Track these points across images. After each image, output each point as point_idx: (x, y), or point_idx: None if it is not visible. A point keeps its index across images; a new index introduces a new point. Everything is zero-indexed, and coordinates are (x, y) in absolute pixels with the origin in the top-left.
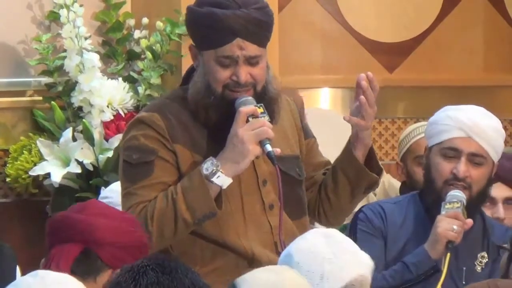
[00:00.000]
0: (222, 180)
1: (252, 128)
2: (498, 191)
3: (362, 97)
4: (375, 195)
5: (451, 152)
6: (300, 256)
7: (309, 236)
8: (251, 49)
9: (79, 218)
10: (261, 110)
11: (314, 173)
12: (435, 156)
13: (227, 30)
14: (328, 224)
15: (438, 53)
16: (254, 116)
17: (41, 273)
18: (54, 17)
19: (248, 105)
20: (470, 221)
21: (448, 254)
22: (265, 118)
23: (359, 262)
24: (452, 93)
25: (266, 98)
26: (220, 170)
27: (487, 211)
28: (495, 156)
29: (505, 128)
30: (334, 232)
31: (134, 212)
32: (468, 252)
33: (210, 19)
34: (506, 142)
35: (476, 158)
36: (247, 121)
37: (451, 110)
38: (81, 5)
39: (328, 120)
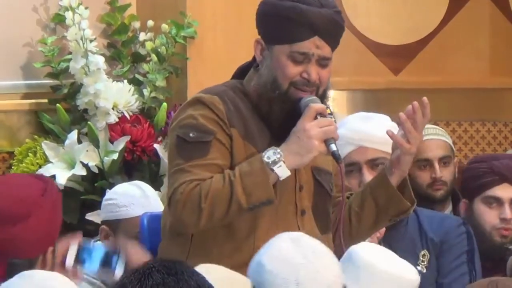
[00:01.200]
0: (282, 170)
1: (320, 125)
2: (504, 192)
3: (401, 113)
4: None
5: (351, 167)
6: (272, 264)
7: (277, 242)
8: (326, 50)
9: None
10: (329, 111)
11: (338, 194)
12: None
13: (309, 26)
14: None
15: (444, 55)
16: (323, 115)
17: (27, 273)
18: (59, 19)
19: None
20: (381, 230)
21: None
22: (332, 119)
23: (332, 263)
24: (458, 96)
25: (324, 103)
26: (283, 160)
27: (493, 212)
28: None
29: (510, 130)
30: (301, 236)
31: (187, 188)
32: (409, 254)
33: (294, 12)
34: None
35: (377, 162)
36: (315, 118)
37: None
38: (86, 8)
39: None
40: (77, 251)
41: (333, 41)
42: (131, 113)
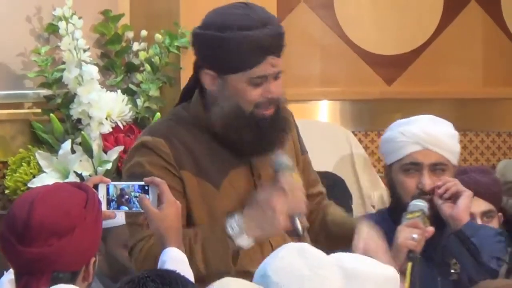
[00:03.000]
0: (244, 242)
1: (287, 201)
2: (475, 205)
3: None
4: (373, 207)
5: (412, 166)
6: (278, 277)
7: (283, 254)
8: (280, 63)
9: (32, 254)
10: (298, 177)
11: (312, 190)
12: (397, 173)
13: (259, 50)
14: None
15: (437, 65)
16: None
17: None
18: (53, 29)
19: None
20: (430, 229)
21: (409, 264)
22: (300, 183)
23: (336, 275)
24: (451, 106)
25: (283, 109)
26: (245, 232)
27: None
28: (454, 159)
29: (504, 141)
30: (307, 247)
31: (145, 246)
32: (442, 260)
33: (240, 42)
34: (505, 154)
35: (438, 167)
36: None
37: (403, 125)
38: (79, 17)
39: (326, 133)
40: None
41: (281, 52)
42: (124, 123)
